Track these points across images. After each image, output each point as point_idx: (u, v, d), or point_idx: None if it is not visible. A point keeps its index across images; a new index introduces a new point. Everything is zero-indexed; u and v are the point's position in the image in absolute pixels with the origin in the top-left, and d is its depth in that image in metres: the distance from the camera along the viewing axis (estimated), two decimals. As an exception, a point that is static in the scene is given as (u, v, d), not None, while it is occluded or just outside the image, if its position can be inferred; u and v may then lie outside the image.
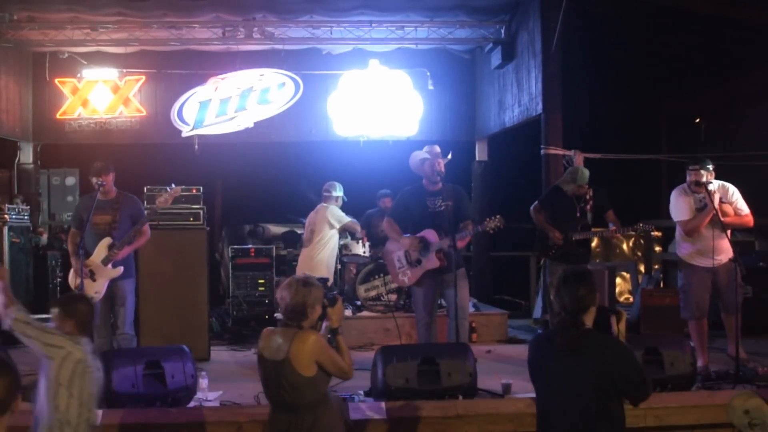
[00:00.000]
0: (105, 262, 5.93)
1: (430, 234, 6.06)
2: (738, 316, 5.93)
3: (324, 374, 3.59)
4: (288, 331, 3.59)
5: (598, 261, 10.59)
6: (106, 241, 5.96)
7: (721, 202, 6.08)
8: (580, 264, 6.39)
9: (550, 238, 6.71)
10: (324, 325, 3.76)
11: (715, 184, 6.16)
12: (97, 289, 5.91)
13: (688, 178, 6.16)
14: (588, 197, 6.69)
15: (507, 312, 8.58)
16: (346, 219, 7.62)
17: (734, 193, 6.20)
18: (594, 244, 11.18)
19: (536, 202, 6.95)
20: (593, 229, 6.91)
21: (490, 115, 9.78)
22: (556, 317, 3.50)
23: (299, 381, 3.50)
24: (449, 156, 6.29)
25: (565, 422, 3.36)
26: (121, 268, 5.98)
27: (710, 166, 6.10)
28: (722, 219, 5.92)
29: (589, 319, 3.41)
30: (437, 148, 6.23)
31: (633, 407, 3.51)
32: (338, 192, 7.71)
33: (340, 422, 3.76)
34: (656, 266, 10.08)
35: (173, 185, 6.35)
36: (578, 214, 6.72)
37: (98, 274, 5.92)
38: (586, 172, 6.81)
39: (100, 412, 4.65)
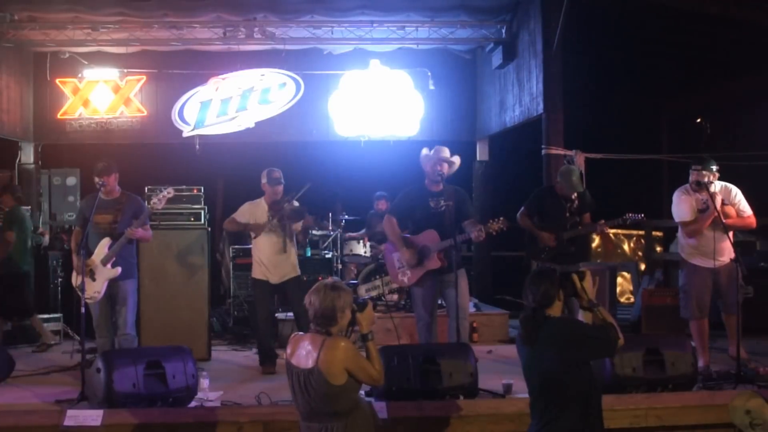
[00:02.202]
0: (104, 261, 5.93)
1: (429, 237, 6.06)
2: (739, 316, 5.92)
3: (354, 382, 3.49)
4: (317, 338, 3.49)
5: (599, 261, 10.58)
6: (106, 240, 5.97)
7: (723, 203, 6.06)
8: (574, 264, 6.38)
9: (540, 241, 6.60)
10: (353, 330, 3.64)
11: (717, 186, 6.13)
12: (96, 289, 5.92)
13: (690, 178, 6.14)
14: (574, 197, 6.62)
15: (508, 312, 8.56)
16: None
17: (737, 195, 6.17)
18: (595, 244, 11.16)
19: (522, 208, 6.77)
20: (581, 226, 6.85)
21: (491, 115, 9.78)
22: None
23: (329, 390, 3.40)
24: (458, 161, 6.21)
25: (545, 405, 3.65)
26: (119, 269, 5.97)
27: (714, 167, 6.06)
28: (724, 221, 5.91)
29: (555, 311, 3.72)
30: (444, 152, 6.16)
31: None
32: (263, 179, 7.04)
33: (371, 426, 3.65)
34: (657, 266, 10.07)
35: (168, 187, 6.28)
36: (567, 214, 6.65)
37: (97, 273, 5.93)
38: (576, 171, 6.69)
39: (101, 412, 4.68)
